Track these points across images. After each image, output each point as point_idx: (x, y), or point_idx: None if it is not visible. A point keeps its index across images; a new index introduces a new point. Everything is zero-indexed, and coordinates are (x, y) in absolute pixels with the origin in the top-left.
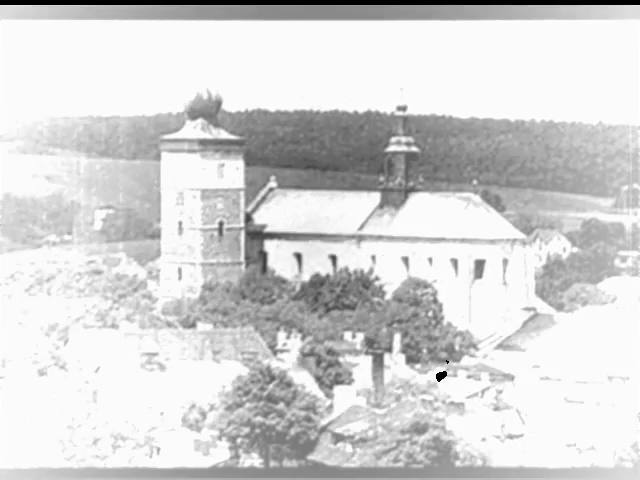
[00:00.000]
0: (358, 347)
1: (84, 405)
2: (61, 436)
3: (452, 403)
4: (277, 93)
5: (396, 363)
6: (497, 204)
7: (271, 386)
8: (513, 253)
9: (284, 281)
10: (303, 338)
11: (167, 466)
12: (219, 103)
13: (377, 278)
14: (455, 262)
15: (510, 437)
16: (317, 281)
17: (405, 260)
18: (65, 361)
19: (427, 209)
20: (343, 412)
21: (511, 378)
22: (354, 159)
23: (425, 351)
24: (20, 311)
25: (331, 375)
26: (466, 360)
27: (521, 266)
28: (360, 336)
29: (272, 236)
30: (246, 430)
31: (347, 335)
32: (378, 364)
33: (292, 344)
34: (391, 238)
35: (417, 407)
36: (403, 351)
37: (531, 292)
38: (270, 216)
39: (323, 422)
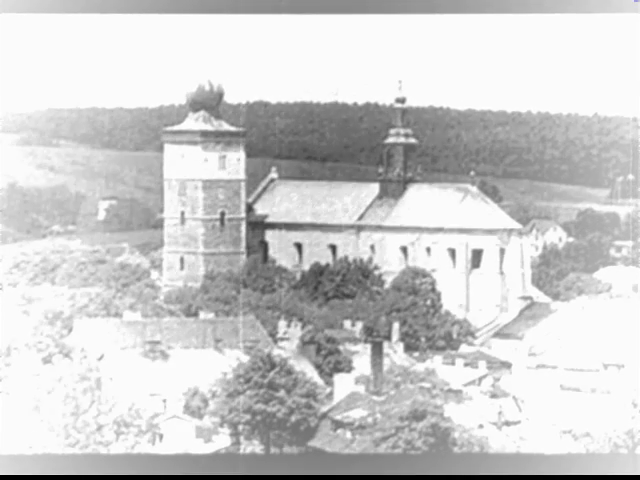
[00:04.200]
0: (357, 335)
1: (88, 392)
2: (65, 423)
3: (450, 390)
4: (278, 85)
5: (395, 351)
6: (494, 195)
7: (272, 374)
8: (510, 243)
9: (284, 270)
10: (303, 326)
11: (170, 452)
12: (221, 95)
13: (376, 267)
14: (453, 252)
15: (507, 424)
16: (317, 270)
17: (404, 250)
18: (69, 349)
19: (425, 200)
20: (343, 399)
21: (508, 366)
22: (353, 150)
23: (423, 339)
24: (25, 300)
25: (331, 363)
26: (464, 348)
27: (518, 256)
28: (359, 324)
29: (273, 226)
30: (247, 417)
31: (347, 323)
32: (377, 352)
33: (292, 332)
34: (390, 228)
35: (415, 394)
36: (402, 339)
37: (527, 281)
38: (271, 206)
39: (323, 409)
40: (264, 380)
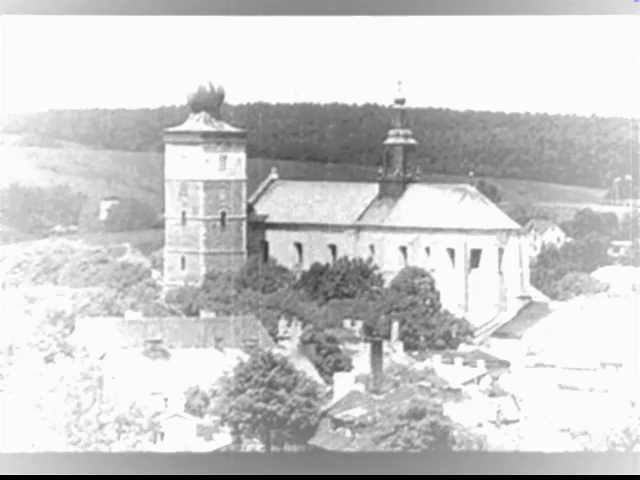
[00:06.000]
0: (357, 335)
1: (90, 391)
2: (67, 421)
3: (449, 389)
4: (278, 86)
5: (394, 350)
6: (493, 195)
7: (272, 373)
8: (508, 243)
9: (285, 270)
10: (303, 326)
11: (171, 451)
12: (221, 96)
13: (376, 267)
14: (452, 252)
15: (506, 422)
16: (317, 270)
17: (403, 250)
18: (71, 348)
19: (424, 200)
20: (342, 398)
21: (506, 365)
22: (353, 151)
23: (422, 338)
24: (27, 299)
25: (331, 362)
26: (463, 347)
27: (516, 255)
28: (359, 324)
29: (273, 226)
30: (248, 416)
31: (346, 323)
32: (377, 351)
33: (293, 332)
34: (389, 228)
35: (415, 393)
36: (401, 338)
37: (526, 281)
38: (271, 207)
39: (323, 408)
40: (264, 379)
